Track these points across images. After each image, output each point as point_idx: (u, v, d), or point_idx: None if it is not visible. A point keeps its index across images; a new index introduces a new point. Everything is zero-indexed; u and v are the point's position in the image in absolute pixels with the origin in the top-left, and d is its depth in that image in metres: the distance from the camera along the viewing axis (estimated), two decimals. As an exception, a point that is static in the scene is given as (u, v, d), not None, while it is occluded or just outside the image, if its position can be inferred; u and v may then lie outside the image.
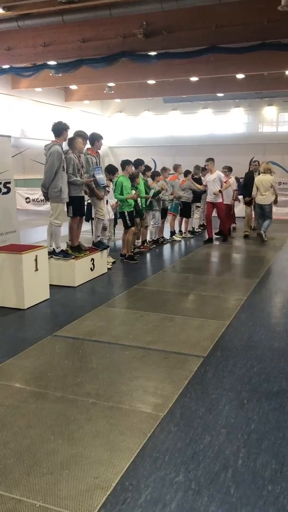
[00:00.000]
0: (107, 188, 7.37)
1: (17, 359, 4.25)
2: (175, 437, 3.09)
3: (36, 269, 5.79)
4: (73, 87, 18.95)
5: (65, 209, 6.66)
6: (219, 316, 5.47)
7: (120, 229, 9.03)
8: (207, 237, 10.63)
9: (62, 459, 2.86)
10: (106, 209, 7.40)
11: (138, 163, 9.07)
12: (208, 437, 3.10)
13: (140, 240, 9.24)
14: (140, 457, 2.88)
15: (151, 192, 9.10)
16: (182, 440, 3.06)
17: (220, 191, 10.12)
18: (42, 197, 16.20)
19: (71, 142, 6.53)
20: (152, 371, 4.04)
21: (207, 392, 3.71)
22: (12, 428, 3.17)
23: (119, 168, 8.31)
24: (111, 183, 7.85)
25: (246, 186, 11.09)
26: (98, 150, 7.26)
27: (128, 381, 3.85)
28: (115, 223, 8.93)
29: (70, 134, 6.56)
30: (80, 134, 6.68)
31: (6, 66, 14.41)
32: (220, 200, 10.29)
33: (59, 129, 6.28)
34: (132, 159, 9.24)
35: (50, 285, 6.23)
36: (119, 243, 9.63)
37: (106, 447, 2.97)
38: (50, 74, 15.09)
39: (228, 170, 11.27)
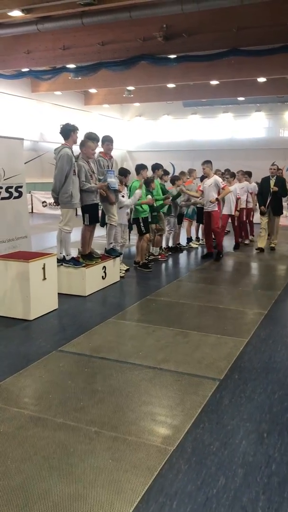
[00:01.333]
0: (120, 193, 7.08)
1: (18, 377, 3.96)
2: (185, 478, 2.75)
3: (44, 278, 5.51)
4: (93, 90, 18.82)
5: (76, 215, 6.37)
6: (237, 333, 5.09)
7: (135, 234, 8.74)
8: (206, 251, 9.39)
9: (57, 501, 2.54)
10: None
11: (156, 167, 8.78)
12: (223, 478, 2.75)
13: (157, 248, 8.91)
14: (145, 502, 2.54)
15: (173, 193, 8.86)
16: (193, 481, 2.71)
17: (217, 199, 8.76)
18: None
19: (81, 146, 6.26)
20: (163, 396, 3.69)
21: (223, 422, 3.35)
22: (5, 461, 2.86)
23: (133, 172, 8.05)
24: (124, 187, 7.55)
25: (262, 193, 9.94)
26: (110, 153, 6.96)
27: (136, 407, 3.52)
28: (130, 228, 8.63)
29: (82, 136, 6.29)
30: (90, 137, 6.37)
31: (25, 70, 14.35)
32: (216, 208, 8.89)
33: (67, 131, 6.01)
34: (151, 163, 8.95)
35: (59, 294, 5.95)
36: (133, 249, 9.34)
37: (108, 487, 2.64)
38: (69, 78, 14.97)
39: (230, 176, 10.48)
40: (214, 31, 11.63)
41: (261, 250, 9.88)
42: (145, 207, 7.80)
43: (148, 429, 3.25)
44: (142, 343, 4.76)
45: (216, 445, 3.08)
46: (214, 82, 16.28)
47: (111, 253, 6.96)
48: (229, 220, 10.14)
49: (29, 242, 7.26)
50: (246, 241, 11.02)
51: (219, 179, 8.95)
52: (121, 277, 7.31)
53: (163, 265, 8.63)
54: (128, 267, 7.84)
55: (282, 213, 10.44)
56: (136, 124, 23.58)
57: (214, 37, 11.74)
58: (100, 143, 6.70)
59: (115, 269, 7.07)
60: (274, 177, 9.72)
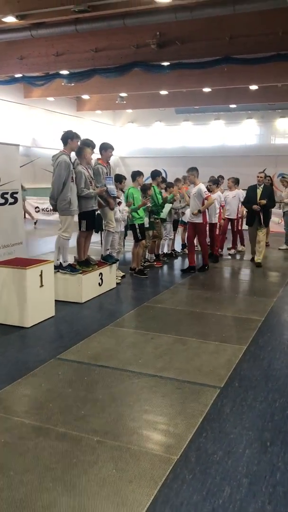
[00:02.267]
0: (117, 199, 7.07)
1: (17, 386, 3.92)
2: (190, 488, 2.73)
3: (41, 285, 5.47)
4: (85, 96, 18.83)
5: (75, 221, 6.34)
6: (235, 340, 5.09)
7: (130, 241, 8.72)
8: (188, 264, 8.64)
9: (61, 513, 2.50)
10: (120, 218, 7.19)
11: (156, 174, 8.78)
12: (228, 488, 2.73)
13: (152, 254, 8.89)
14: (150, 513, 2.52)
15: (169, 197, 8.82)
16: (198, 491, 2.70)
17: (199, 211, 8.08)
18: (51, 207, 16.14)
19: (79, 152, 6.24)
20: (164, 404, 3.67)
21: (225, 431, 3.34)
22: (7, 472, 2.82)
23: (128, 178, 8.04)
24: (121, 193, 7.55)
25: (249, 202, 9.05)
26: (108, 160, 6.96)
27: (137, 415, 3.49)
28: (125, 235, 8.61)
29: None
30: (87, 144, 6.38)
31: (18, 75, 14.31)
32: (200, 221, 8.22)
33: (65, 138, 6.00)
34: (143, 170, 8.94)
35: (56, 301, 5.90)
36: (128, 255, 9.32)
37: (113, 499, 2.61)
38: (63, 84, 14.96)
39: (213, 183, 9.63)
40: (207, 39, 11.72)
41: (258, 265, 9.00)
42: (141, 213, 7.80)
43: (150, 438, 3.23)
44: (141, 351, 4.74)
45: (220, 454, 3.06)
46: (206, 90, 16.38)
47: (107, 259, 6.93)
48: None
49: (25, 248, 7.21)
50: (231, 251, 10.41)
51: (203, 188, 8.22)
52: (117, 283, 7.28)
53: (159, 271, 8.62)
54: (124, 274, 7.82)
55: (268, 225, 9.61)
56: (128, 130, 23.62)
57: (207, 45, 11.83)
58: (98, 150, 6.71)
59: (111, 275, 7.05)
60: (262, 186, 8.97)
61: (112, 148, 6.89)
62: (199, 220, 8.22)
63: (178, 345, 4.91)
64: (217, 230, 9.63)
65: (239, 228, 10.70)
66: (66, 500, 2.60)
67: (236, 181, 10.43)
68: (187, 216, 9.08)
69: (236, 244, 10.61)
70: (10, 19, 10.24)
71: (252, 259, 9.32)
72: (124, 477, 2.80)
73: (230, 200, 10.19)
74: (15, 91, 17.05)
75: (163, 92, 17.12)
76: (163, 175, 13.25)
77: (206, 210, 8.47)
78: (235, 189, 10.31)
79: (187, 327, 5.56)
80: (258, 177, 9.11)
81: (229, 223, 10.40)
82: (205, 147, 22.00)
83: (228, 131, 22.16)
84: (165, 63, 12.66)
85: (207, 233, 9.14)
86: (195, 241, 8.70)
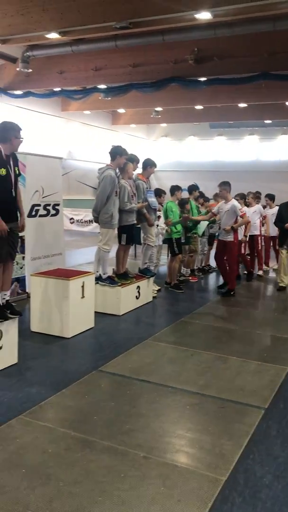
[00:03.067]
0: (158, 212, 7.15)
1: (61, 397, 3.96)
2: (240, 511, 2.68)
3: (83, 296, 5.54)
4: (121, 110, 19.11)
5: (115, 235, 6.42)
6: (278, 360, 5.00)
7: (165, 254, 8.75)
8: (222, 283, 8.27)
9: (113, 529, 2.50)
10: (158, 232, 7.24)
11: (192, 188, 8.81)
12: (280, 514, 2.67)
13: (188, 269, 8.88)
14: (202, 534, 2.49)
15: (203, 212, 8.77)
16: (249, 515, 2.65)
17: (233, 228, 7.60)
18: (87, 218, 16.33)
19: (123, 166, 6.33)
20: (208, 422, 3.64)
21: (273, 454, 3.27)
22: (57, 482, 2.84)
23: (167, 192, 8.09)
24: (161, 207, 7.61)
25: (281, 221, 8.28)
26: (149, 177, 7.05)
27: (182, 433, 3.47)
28: (160, 248, 8.65)
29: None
30: (131, 159, 6.48)
31: (57, 89, 14.68)
32: (231, 239, 7.71)
33: (114, 153, 6.10)
34: (176, 183, 8.94)
35: (94, 312, 5.96)
36: (162, 269, 9.33)
37: (163, 518, 2.60)
38: (99, 98, 15.24)
39: (240, 198, 9.09)
40: (245, 56, 11.74)
41: (281, 288, 8.33)
42: (178, 227, 7.82)
43: (197, 457, 3.20)
44: (181, 367, 4.71)
45: (269, 478, 3.00)
46: (242, 105, 16.39)
47: (145, 273, 6.97)
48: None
49: (64, 259, 7.33)
50: (260, 272, 9.82)
51: (238, 205, 7.80)
52: (153, 297, 7.30)
53: (194, 286, 8.59)
54: (159, 288, 7.83)
55: None
56: (162, 144, 23.81)
57: (245, 61, 11.85)
58: (143, 166, 6.81)
59: (148, 289, 7.07)
60: None
61: (155, 166, 6.98)
62: (230, 238, 7.71)
63: (219, 363, 4.86)
64: (242, 248, 9.12)
65: (259, 247, 9.92)
66: (117, 515, 2.60)
67: (271, 197, 10.22)
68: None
69: (262, 264, 10.01)
70: (53, 35, 10.55)
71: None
72: (173, 496, 2.78)
73: (252, 216, 9.52)
74: (53, 104, 17.46)
75: (198, 107, 17.22)
76: (198, 189, 13.23)
77: (239, 228, 8.10)
78: (255, 205, 9.88)
79: (227, 344, 5.50)
80: None
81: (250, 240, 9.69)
82: (238, 161, 21.94)
83: (262, 146, 22.06)
84: (202, 79, 12.76)
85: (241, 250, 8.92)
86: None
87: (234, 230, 7.73)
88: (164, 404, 3.91)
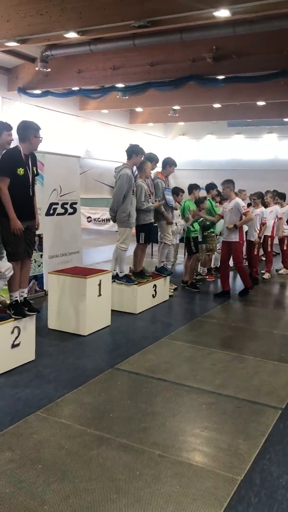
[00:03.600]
0: (176, 211, 7.14)
1: (78, 394, 3.98)
2: None
3: (100, 294, 5.57)
4: (139, 109, 19.11)
5: (133, 234, 6.43)
6: (295, 360, 4.96)
7: (182, 253, 8.73)
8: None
9: (128, 525, 2.51)
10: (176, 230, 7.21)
11: (210, 187, 8.77)
12: (296, 515, 2.65)
13: (205, 268, 8.84)
14: (218, 534, 2.48)
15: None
16: (265, 516, 2.63)
17: (235, 226, 7.25)
18: (104, 217, 16.39)
19: (140, 165, 6.33)
20: (224, 422, 3.62)
21: (290, 454, 3.24)
22: (73, 479, 2.87)
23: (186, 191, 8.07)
24: (178, 205, 7.59)
25: None
26: (168, 176, 7.04)
27: (198, 432, 3.46)
28: (177, 247, 8.62)
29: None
30: (151, 158, 6.48)
31: (75, 88, 14.76)
32: (237, 239, 7.37)
33: (131, 152, 6.10)
34: (193, 182, 8.91)
35: (111, 310, 5.98)
36: (179, 268, 9.31)
37: (178, 516, 2.60)
38: (117, 97, 15.26)
39: (257, 197, 8.83)
40: (264, 53, 11.62)
41: None
42: (196, 226, 7.79)
43: (213, 456, 3.19)
44: (198, 366, 4.70)
45: (286, 478, 2.98)
46: (260, 103, 16.23)
47: (162, 271, 6.96)
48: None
49: (81, 258, 7.37)
50: (266, 275, 9.28)
51: (241, 202, 7.43)
52: (170, 296, 7.29)
53: (211, 285, 8.55)
54: (176, 286, 7.82)
55: None
56: (179, 143, 23.74)
57: (264, 58, 11.73)
58: (163, 165, 6.80)
59: (165, 287, 7.07)
60: None
61: (175, 165, 6.98)
62: (235, 238, 7.34)
63: (236, 362, 4.84)
64: (256, 249, 8.74)
65: (271, 249, 9.60)
66: (132, 512, 2.61)
67: (282, 196, 9.86)
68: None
69: (268, 267, 9.50)
70: (72, 35, 10.60)
71: None
72: (188, 494, 2.78)
73: (267, 216, 9.25)
74: (71, 104, 17.56)
75: (216, 105, 17.10)
76: (215, 187, 13.14)
77: (243, 227, 7.70)
78: (274, 205, 9.61)
79: (243, 344, 5.47)
80: None
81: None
82: (257, 160, 21.74)
83: (281, 144, 21.81)
84: (221, 77, 12.67)
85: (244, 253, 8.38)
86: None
87: (238, 229, 7.35)
88: (180, 402, 3.91)
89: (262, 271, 9.39)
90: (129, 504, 2.68)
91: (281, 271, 9.87)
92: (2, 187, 4.18)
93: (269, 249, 9.47)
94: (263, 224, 8.74)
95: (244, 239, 7.95)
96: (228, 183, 7.53)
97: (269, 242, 9.39)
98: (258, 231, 8.60)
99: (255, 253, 8.71)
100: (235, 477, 2.97)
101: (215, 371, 4.58)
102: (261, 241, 8.94)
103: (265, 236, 9.17)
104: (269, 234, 9.34)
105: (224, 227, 7.62)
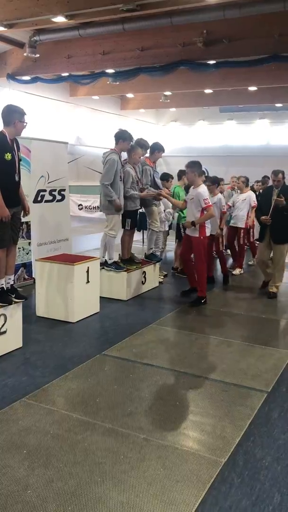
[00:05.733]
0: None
1: (64, 380, 3.99)
2: (239, 492, 2.69)
3: (88, 281, 5.56)
4: (130, 95, 18.92)
5: (120, 220, 6.39)
6: (282, 344, 5.00)
7: (172, 240, 8.71)
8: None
9: (111, 508, 2.53)
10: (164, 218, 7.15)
11: (182, 173, 8.72)
12: (278, 495, 2.68)
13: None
14: (199, 515, 2.51)
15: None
16: (247, 496, 2.66)
17: (193, 223, 6.06)
18: (95, 204, 16.32)
19: (129, 151, 6.27)
20: (210, 405, 3.65)
21: (273, 436, 3.28)
22: (57, 463, 2.88)
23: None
24: (169, 191, 7.54)
25: (261, 210, 6.86)
26: (156, 161, 6.99)
27: (183, 416, 3.49)
28: (167, 234, 8.60)
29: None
30: (141, 144, 6.41)
31: (65, 74, 14.56)
32: (196, 234, 6.12)
33: (118, 137, 6.04)
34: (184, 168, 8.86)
35: (100, 297, 5.97)
36: (170, 254, 9.31)
37: (161, 498, 2.62)
38: (108, 82, 15.09)
39: (211, 182, 7.36)
40: (255, 37, 11.48)
41: (273, 295, 6.79)
42: (185, 212, 7.75)
43: (197, 439, 3.21)
44: (185, 351, 4.72)
45: (269, 460, 3.01)
46: (252, 88, 16.12)
47: (151, 258, 6.95)
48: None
49: (70, 245, 7.34)
50: (236, 271, 8.29)
51: (204, 194, 6.10)
52: (160, 282, 7.29)
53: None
54: (166, 273, 7.82)
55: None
56: (171, 129, 23.58)
57: (255, 43, 11.60)
58: (151, 150, 6.74)
59: (154, 274, 7.06)
60: (278, 189, 6.58)
61: (163, 150, 6.91)
62: (195, 233, 6.17)
63: (223, 347, 4.86)
64: (221, 244, 7.64)
65: (245, 241, 8.58)
66: (115, 495, 2.62)
67: (247, 181, 8.59)
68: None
69: (240, 261, 8.48)
70: (60, 19, 10.41)
71: (264, 286, 7.16)
72: (171, 477, 2.80)
73: (239, 205, 8.31)
74: (61, 90, 17.34)
75: (208, 91, 16.96)
76: (206, 174, 13.09)
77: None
78: (247, 191, 8.50)
79: (231, 329, 5.49)
80: (274, 180, 6.66)
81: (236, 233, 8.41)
82: (248, 146, 21.66)
83: (273, 130, 21.73)
84: (212, 62, 12.54)
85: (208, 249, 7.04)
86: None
87: (194, 226, 6.10)
88: (167, 387, 3.93)
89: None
90: (112, 487, 2.70)
91: (251, 262, 9.08)
92: None
93: (241, 242, 8.38)
94: (222, 214, 7.53)
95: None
96: (193, 166, 6.21)
97: (241, 235, 8.33)
98: (218, 223, 7.35)
99: (220, 248, 7.62)
100: (218, 459, 3.00)
101: (202, 355, 4.61)
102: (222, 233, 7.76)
103: (236, 227, 8.29)
104: (242, 226, 8.24)
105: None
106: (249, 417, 3.49)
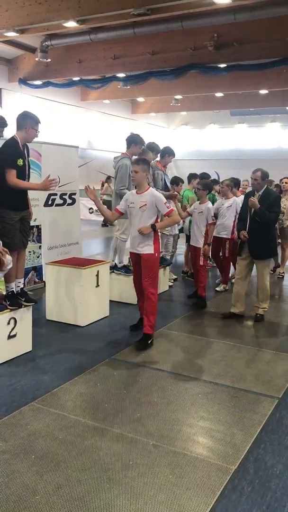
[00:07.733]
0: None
1: (74, 384, 3.98)
2: (249, 501, 2.65)
3: (97, 285, 5.55)
4: (140, 99, 18.98)
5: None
6: (293, 350, 4.93)
7: (182, 244, 8.68)
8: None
9: (119, 515, 2.50)
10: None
11: (203, 176, 8.69)
12: (289, 504, 2.63)
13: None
14: (209, 523, 2.47)
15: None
16: (258, 505, 2.61)
17: (153, 226, 4.75)
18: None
19: (140, 155, 6.25)
20: (220, 412, 3.60)
21: (285, 443, 3.22)
22: (66, 469, 2.86)
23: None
24: (180, 196, 7.51)
25: (241, 218, 5.82)
26: (166, 165, 6.97)
27: (193, 422, 3.45)
28: (178, 237, 8.56)
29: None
30: (152, 148, 6.40)
31: (76, 79, 14.65)
32: (150, 250, 4.78)
33: (130, 141, 6.03)
34: (196, 172, 8.85)
35: (110, 301, 5.96)
36: (180, 258, 9.28)
37: (170, 506, 2.58)
38: (119, 87, 15.15)
39: (202, 187, 6.37)
40: (266, 40, 11.48)
41: (230, 316, 5.89)
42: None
43: (207, 446, 3.17)
44: (195, 356, 4.68)
45: (280, 468, 2.96)
46: (263, 91, 16.06)
47: (161, 262, 6.90)
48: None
49: (80, 248, 7.35)
50: (220, 287, 7.37)
51: (160, 197, 4.80)
52: (169, 286, 7.26)
53: (209, 273, 8.49)
54: (176, 277, 7.79)
55: (272, 255, 6.15)
56: (182, 133, 23.59)
57: (265, 46, 11.58)
58: (161, 154, 6.74)
59: (164, 278, 7.03)
60: (259, 194, 5.56)
61: (173, 155, 6.90)
62: (147, 249, 4.78)
63: (233, 352, 4.81)
64: (202, 259, 6.41)
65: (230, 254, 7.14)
66: (124, 502, 2.60)
67: (237, 184, 7.74)
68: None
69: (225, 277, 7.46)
70: (71, 24, 10.49)
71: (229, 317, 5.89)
72: (181, 484, 2.76)
73: (224, 212, 7.13)
74: (72, 94, 17.45)
75: (218, 94, 16.94)
76: (216, 178, 13.06)
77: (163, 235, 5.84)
78: (232, 197, 7.21)
79: (242, 334, 5.44)
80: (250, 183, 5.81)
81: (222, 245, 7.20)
82: (260, 149, 21.58)
83: (284, 133, 21.63)
84: (222, 65, 12.52)
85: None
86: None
87: (154, 232, 4.80)
88: (176, 392, 3.89)
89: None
90: (121, 493, 2.67)
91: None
92: (11, 178, 4.15)
93: (226, 254, 7.20)
94: (209, 226, 6.36)
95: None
96: (142, 163, 4.86)
97: (226, 246, 7.14)
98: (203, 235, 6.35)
99: (201, 263, 6.42)
100: (229, 466, 2.95)
101: (212, 360, 4.56)
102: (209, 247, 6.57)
103: (221, 238, 7.12)
104: (228, 236, 7.09)
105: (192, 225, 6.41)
106: (259, 424, 3.44)
